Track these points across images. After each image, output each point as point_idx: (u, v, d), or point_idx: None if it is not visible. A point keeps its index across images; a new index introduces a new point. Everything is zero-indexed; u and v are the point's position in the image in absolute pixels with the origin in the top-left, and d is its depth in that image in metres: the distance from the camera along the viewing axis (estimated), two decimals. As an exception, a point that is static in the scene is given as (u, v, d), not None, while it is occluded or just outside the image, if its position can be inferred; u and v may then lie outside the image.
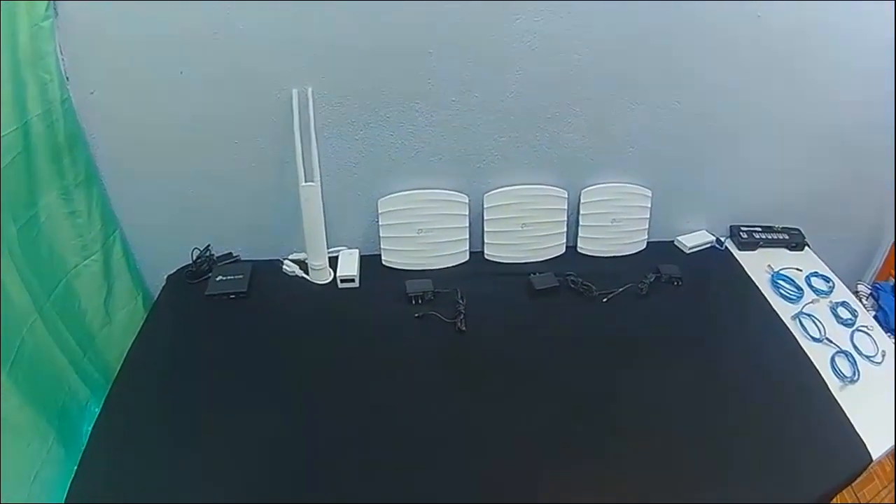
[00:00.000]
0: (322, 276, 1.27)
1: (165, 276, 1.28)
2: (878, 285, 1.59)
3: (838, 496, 0.98)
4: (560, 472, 0.91)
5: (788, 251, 1.46)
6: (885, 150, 1.39)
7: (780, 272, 1.35)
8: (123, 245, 1.22)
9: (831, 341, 1.18)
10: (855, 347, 1.18)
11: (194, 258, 1.26)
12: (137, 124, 1.10)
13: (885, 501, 1.41)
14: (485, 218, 1.29)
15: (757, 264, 1.39)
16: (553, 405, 1.01)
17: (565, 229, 1.35)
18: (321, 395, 1.03)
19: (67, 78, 1.02)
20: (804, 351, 1.15)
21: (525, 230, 1.32)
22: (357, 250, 1.32)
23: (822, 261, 1.42)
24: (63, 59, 1.01)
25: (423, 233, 1.28)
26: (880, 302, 1.52)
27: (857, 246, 1.62)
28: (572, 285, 1.26)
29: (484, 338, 1.14)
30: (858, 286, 1.58)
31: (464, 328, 1.14)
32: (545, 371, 1.08)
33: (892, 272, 1.60)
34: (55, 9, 0.96)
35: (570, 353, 1.11)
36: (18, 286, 0.89)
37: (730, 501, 0.88)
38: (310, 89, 1.10)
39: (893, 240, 1.58)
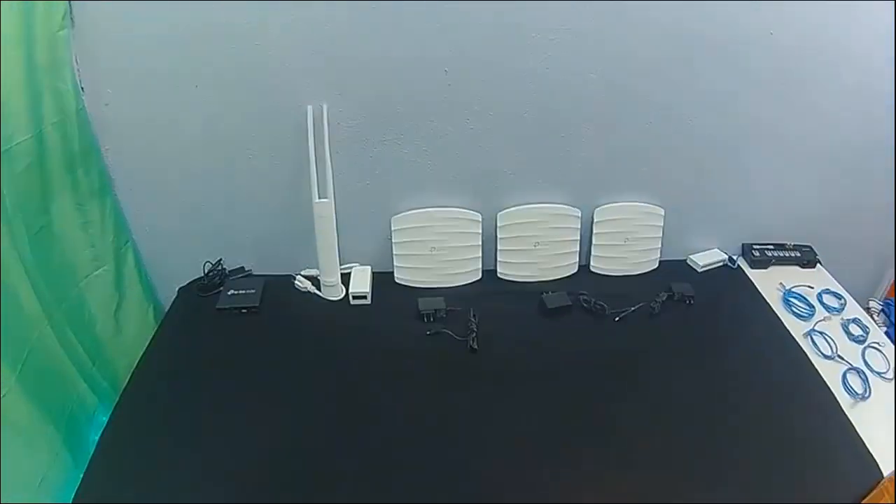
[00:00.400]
0: (334, 293, 1.26)
1: (177, 289, 1.27)
2: (889, 301, 1.59)
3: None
4: (572, 489, 0.91)
5: (800, 269, 1.45)
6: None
7: (792, 290, 1.35)
8: (135, 256, 1.22)
9: (843, 358, 1.17)
10: (866, 364, 1.17)
11: (206, 271, 1.26)
12: (151, 137, 1.11)
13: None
14: (498, 237, 1.29)
15: (769, 282, 1.39)
16: (565, 424, 1.01)
17: (578, 248, 1.35)
18: (331, 412, 1.02)
19: (82, 88, 1.03)
20: (815, 368, 1.15)
21: (538, 249, 1.31)
22: (370, 267, 1.31)
23: (834, 278, 1.42)
24: (78, 70, 1.01)
25: (436, 251, 1.28)
26: (892, 318, 1.52)
27: (868, 263, 1.62)
28: (585, 304, 1.26)
29: (496, 356, 1.13)
30: (870, 303, 1.58)
31: (476, 346, 1.13)
32: (557, 390, 1.07)
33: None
34: (72, 18, 0.97)
35: (581, 372, 1.11)
36: (29, 293, 0.89)
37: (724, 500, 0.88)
38: (325, 106, 1.10)
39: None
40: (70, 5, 0.95)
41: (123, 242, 1.18)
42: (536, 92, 1.15)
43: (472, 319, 1.18)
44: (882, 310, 1.55)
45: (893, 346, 1.24)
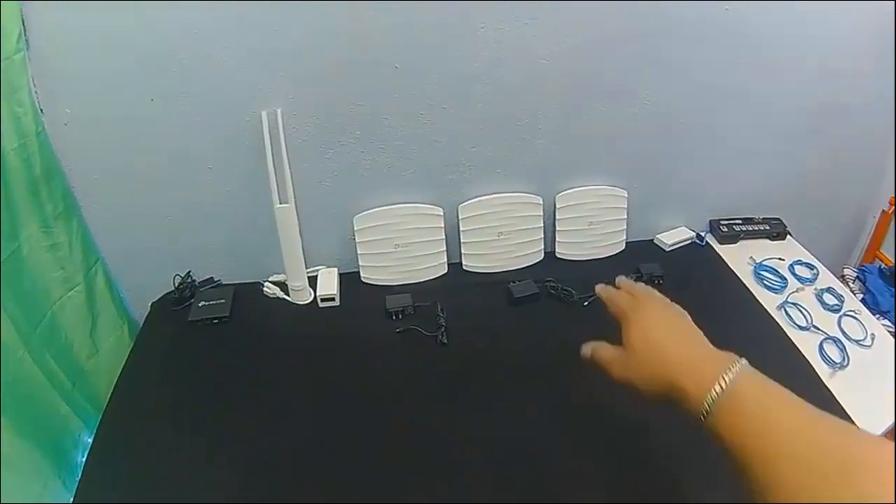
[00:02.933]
0: (302, 297, 1.27)
1: (150, 304, 1.28)
2: (864, 268, 1.58)
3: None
4: (546, 476, 0.90)
5: (770, 241, 1.45)
6: (863, 130, 1.40)
7: (763, 263, 1.35)
8: (106, 275, 1.23)
9: (818, 328, 1.17)
10: (843, 332, 1.17)
11: (176, 284, 1.27)
12: (112, 154, 1.12)
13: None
14: (461, 229, 1.30)
15: (739, 257, 1.39)
16: (538, 412, 1.00)
17: (542, 235, 1.36)
18: (306, 415, 1.02)
19: (41, 110, 1.04)
20: (791, 340, 1.14)
21: (502, 239, 1.32)
22: (336, 269, 1.32)
23: (806, 248, 1.42)
24: (36, 91, 1.03)
25: (401, 247, 1.28)
26: (867, 284, 1.51)
27: (839, 231, 1.61)
28: (552, 291, 1.26)
29: (465, 349, 1.13)
30: (844, 270, 1.58)
31: (445, 341, 1.14)
32: (528, 378, 1.07)
33: (878, 254, 1.59)
34: (27, 40, 0.98)
35: (551, 360, 1.10)
36: (5, 321, 0.90)
37: (724, 500, 0.86)
38: (279, 111, 1.12)
39: (876, 221, 1.57)
40: (24, 27, 0.97)
41: (93, 262, 1.19)
42: (489, 83, 1.16)
43: (441, 314, 1.19)
44: (857, 276, 1.54)
45: (872, 313, 1.23)
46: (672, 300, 0.71)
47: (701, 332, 0.65)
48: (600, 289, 0.75)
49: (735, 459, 0.50)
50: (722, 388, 0.53)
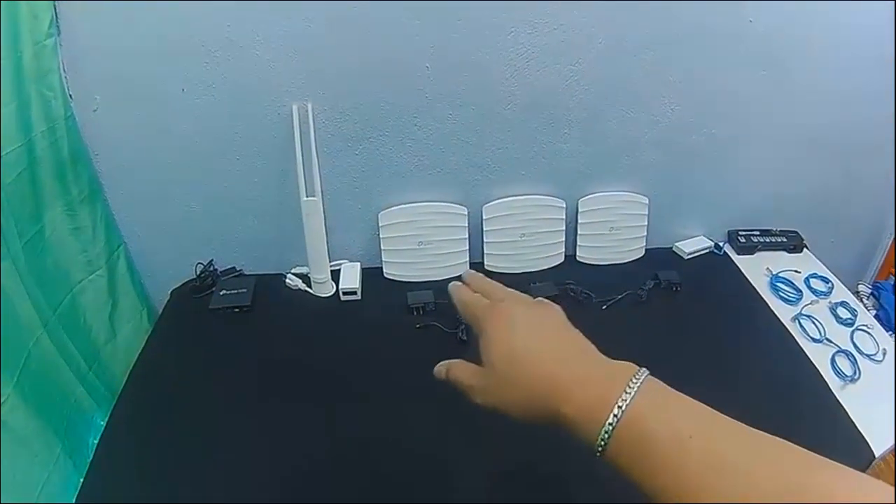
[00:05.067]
0: (324, 290, 1.28)
1: (170, 291, 1.29)
2: (878, 284, 1.59)
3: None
4: (566, 479, 0.91)
5: (787, 254, 1.47)
6: (881, 148, 1.41)
7: (779, 275, 1.36)
8: (128, 260, 1.23)
9: (831, 341, 1.18)
10: (855, 346, 1.18)
11: (198, 273, 1.27)
12: (140, 141, 1.12)
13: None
14: (484, 229, 1.31)
15: (756, 268, 1.40)
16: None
17: (564, 238, 1.36)
18: (323, 406, 1.03)
19: (71, 95, 1.04)
20: (804, 352, 1.15)
21: (524, 240, 1.33)
22: (359, 263, 1.33)
23: (822, 262, 1.43)
24: (66, 77, 1.02)
25: (424, 245, 1.29)
26: (881, 301, 1.53)
27: (856, 246, 1.62)
28: (572, 293, 1.27)
29: (485, 347, 1.14)
30: (859, 286, 1.59)
31: (465, 338, 1.14)
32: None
33: (893, 271, 1.61)
34: (58, 26, 0.98)
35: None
36: (24, 301, 0.90)
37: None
38: (309, 105, 1.11)
39: (892, 238, 1.59)
40: (56, 13, 0.97)
41: (115, 246, 1.20)
42: (518, 85, 1.16)
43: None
44: (871, 293, 1.56)
45: (885, 330, 1.24)
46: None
47: (584, 340, 0.51)
48: (452, 288, 0.60)
49: (647, 495, 0.40)
50: (617, 416, 0.41)
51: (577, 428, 0.44)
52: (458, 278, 0.62)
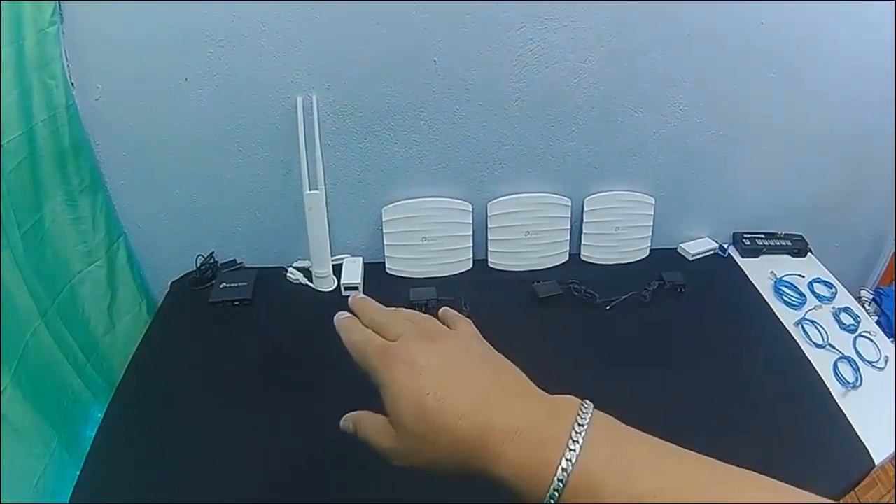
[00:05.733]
0: (326, 284, 1.27)
1: (170, 283, 1.28)
2: (880, 290, 1.59)
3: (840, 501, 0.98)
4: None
5: (791, 258, 1.46)
6: (887, 154, 1.40)
7: (783, 279, 1.35)
8: (128, 251, 1.22)
9: (834, 347, 1.18)
10: (857, 353, 1.18)
11: (198, 265, 1.26)
12: (142, 131, 1.11)
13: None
14: (489, 226, 1.30)
15: (760, 271, 1.39)
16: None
17: (568, 237, 1.35)
18: (322, 401, 1.01)
19: (73, 84, 1.03)
20: (807, 357, 1.15)
21: (528, 238, 1.32)
22: (361, 258, 1.31)
23: (825, 267, 1.43)
24: (68, 65, 1.01)
25: (427, 241, 1.28)
26: (883, 307, 1.53)
27: (860, 251, 1.62)
28: (576, 293, 1.26)
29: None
30: (861, 291, 1.59)
31: (469, 335, 1.14)
32: (548, 378, 1.07)
33: (895, 277, 1.61)
34: (61, 14, 0.97)
35: (572, 361, 1.10)
36: (23, 291, 0.89)
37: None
38: (314, 97, 1.10)
39: (895, 244, 1.59)
40: (59, 1, 0.96)
41: (115, 237, 1.19)
42: (526, 82, 1.15)
43: (464, 309, 1.18)
44: (873, 299, 1.55)
45: (887, 336, 1.24)
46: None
47: (507, 367, 0.44)
48: (338, 323, 0.50)
49: None
50: (562, 481, 0.34)
51: (517, 491, 0.36)
52: (350, 300, 0.52)
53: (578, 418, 0.36)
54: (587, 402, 0.38)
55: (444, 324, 0.49)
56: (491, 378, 0.41)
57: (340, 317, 0.49)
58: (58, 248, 1.03)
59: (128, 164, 1.14)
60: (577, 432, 0.35)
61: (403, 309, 0.50)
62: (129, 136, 1.11)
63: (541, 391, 0.40)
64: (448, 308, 0.52)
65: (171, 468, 0.90)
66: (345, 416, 0.48)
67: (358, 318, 0.49)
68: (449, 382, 0.40)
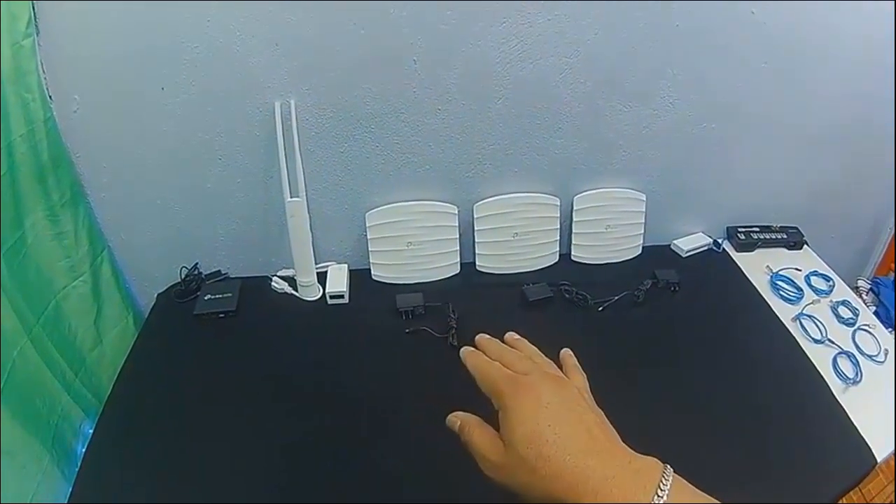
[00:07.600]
0: (311, 293, 1.25)
1: (155, 295, 1.26)
2: (877, 280, 1.56)
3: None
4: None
5: (787, 251, 1.43)
6: (882, 144, 1.37)
7: (780, 273, 1.33)
8: (112, 265, 1.21)
9: (833, 342, 1.15)
10: (857, 347, 1.15)
11: (183, 277, 1.25)
12: (121, 142, 1.10)
13: (890, 501, 1.39)
14: (475, 228, 1.28)
15: (755, 265, 1.37)
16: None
17: (558, 237, 1.33)
18: (311, 412, 1.01)
19: (51, 97, 1.02)
20: (805, 353, 1.12)
21: (517, 240, 1.30)
22: (346, 265, 1.30)
23: (822, 259, 1.40)
24: (45, 77, 1.00)
25: (413, 246, 1.26)
26: (881, 297, 1.50)
27: (856, 241, 1.60)
28: (567, 295, 1.24)
29: (476, 353, 1.11)
30: (858, 281, 1.56)
31: (455, 343, 1.11)
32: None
33: (893, 266, 1.58)
34: (37, 26, 0.96)
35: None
36: (7, 309, 0.88)
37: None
38: (292, 102, 1.09)
39: (892, 233, 1.56)
40: (34, 12, 0.95)
41: (99, 251, 1.17)
42: (509, 79, 1.13)
43: (452, 315, 1.17)
44: (871, 289, 1.53)
45: (885, 328, 1.22)
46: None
47: (607, 423, 0.50)
48: (465, 354, 0.56)
49: None
50: None
51: None
52: (477, 339, 0.60)
53: (662, 479, 0.42)
54: (668, 466, 0.44)
55: (562, 364, 0.59)
56: (595, 427, 0.47)
57: (467, 350, 0.57)
58: (41, 265, 1.02)
59: (108, 175, 1.13)
60: (661, 490, 0.41)
61: (526, 342, 0.60)
62: (109, 147, 1.10)
63: (630, 449, 0.47)
64: (569, 352, 0.61)
65: (162, 480, 0.90)
66: (454, 413, 0.54)
67: (483, 351, 0.56)
68: (567, 423, 0.46)
